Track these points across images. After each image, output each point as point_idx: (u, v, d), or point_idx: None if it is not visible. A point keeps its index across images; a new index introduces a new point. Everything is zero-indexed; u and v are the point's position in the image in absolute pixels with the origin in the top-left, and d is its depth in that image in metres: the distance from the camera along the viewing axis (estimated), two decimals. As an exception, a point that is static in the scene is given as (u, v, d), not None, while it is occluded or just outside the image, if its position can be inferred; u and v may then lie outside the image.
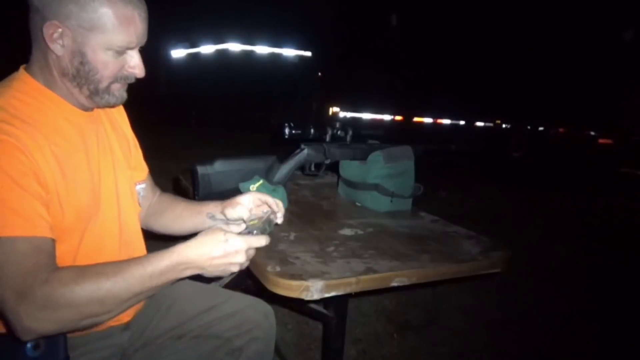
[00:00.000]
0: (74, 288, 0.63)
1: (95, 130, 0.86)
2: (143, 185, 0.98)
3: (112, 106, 0.86)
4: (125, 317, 0.91)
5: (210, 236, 0.71)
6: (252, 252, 0.74)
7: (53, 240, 0.69)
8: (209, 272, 0.72)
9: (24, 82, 0.77)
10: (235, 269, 0.73)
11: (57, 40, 0.73)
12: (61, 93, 0.79)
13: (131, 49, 0.79)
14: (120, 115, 0.99)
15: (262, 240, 0.75)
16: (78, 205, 0.77)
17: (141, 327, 0.96)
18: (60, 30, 0.72)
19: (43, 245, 0.67)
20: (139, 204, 0.96)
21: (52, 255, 0.68)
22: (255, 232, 0.79)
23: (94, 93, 0.79)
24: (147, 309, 0.99)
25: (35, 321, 0.61)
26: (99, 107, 0.85)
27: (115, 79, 0.80)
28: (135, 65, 0.80)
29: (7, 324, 0.65)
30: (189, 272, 0.71)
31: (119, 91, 0.83)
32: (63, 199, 0.73)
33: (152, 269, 0.67)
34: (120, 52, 0.77)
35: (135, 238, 0.94)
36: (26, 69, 0.79)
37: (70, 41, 0.73)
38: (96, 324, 0.68)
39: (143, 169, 1.02)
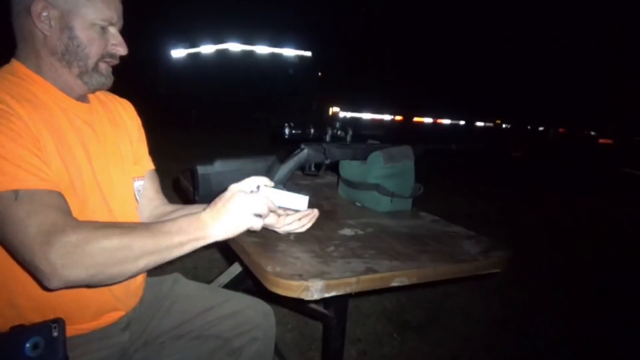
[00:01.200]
0: (105, 231, 0.65)
1: (89, 119, 0.87)
2: (141, 182, 0.98)
3: (102, 87, 0.88)
4: (124, 309, 0.91)
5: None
6: (270, 204, 0.77)
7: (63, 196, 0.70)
8: (230, 221, 0.72)
9: (14, 68, 0.81)
10: (256, 209, 0.74)
11: (44, 20, 0.77)
12: (50, 77, 0.82)
13: (112, 25, 0.83)
14: (127, 114, 1.01)
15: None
16: (71, 179, 0.77)
17: (141, 327, 0.96)
18: (47, 8, 0.76)
19: (60, 198, 0.68)
20: (136, 200, 0.96)
21: (69, 208, 0.69)
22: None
23: (84, 72, 0.83)
24: (148, 309, 0.98)
25: (67, 267, 0.61)
26: (90, 90, 0.86)
27: (102, 57, 0.84)
28: (118, 42, 0.85)
29: (33, 276, 0.66)
30: (211, 228, 0.71)
31: (107, 71, 0.87)
32: (58, 169, 0.74)
33: (177, 225, 0.70)
34: (104, 27, 0.82)
35: None
36: (16, 59, 0.82)
37: (57, 19, 0.78)
38: (121, 277, 0.67)
39: (143, 166, 1.02)
